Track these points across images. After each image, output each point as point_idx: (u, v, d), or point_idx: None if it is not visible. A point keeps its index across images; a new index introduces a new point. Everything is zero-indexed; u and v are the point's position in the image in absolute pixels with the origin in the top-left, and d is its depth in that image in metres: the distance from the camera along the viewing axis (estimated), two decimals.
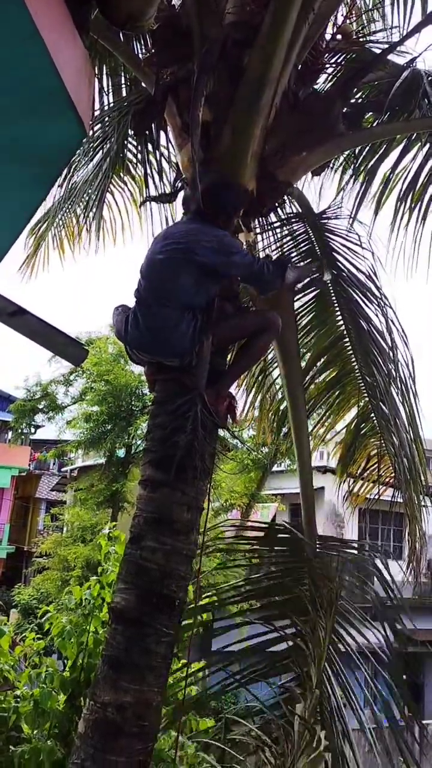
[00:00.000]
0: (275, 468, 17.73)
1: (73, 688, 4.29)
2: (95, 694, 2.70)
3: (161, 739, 4.00)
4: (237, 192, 3.15)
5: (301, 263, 4.65)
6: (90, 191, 5.02)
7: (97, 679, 2.77)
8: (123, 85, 4.91)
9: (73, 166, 5.01)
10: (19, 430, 22.03)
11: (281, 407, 5.19)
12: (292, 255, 4.74)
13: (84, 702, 4.10)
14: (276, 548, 4.84)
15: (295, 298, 4.79)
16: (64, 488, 26.75)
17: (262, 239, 4.80)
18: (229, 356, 3.31)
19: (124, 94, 4.95)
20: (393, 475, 4.75)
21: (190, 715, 4.56)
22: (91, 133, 4.72)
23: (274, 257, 4.16)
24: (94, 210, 5.07)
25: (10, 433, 23.90)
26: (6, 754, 4.11)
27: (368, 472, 5.14)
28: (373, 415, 4.82)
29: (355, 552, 4.88)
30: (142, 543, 2.81)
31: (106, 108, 4.97)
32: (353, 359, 4.80)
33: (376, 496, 5.12)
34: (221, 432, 3.26)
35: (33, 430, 24.12)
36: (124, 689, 2.64)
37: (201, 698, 4.61)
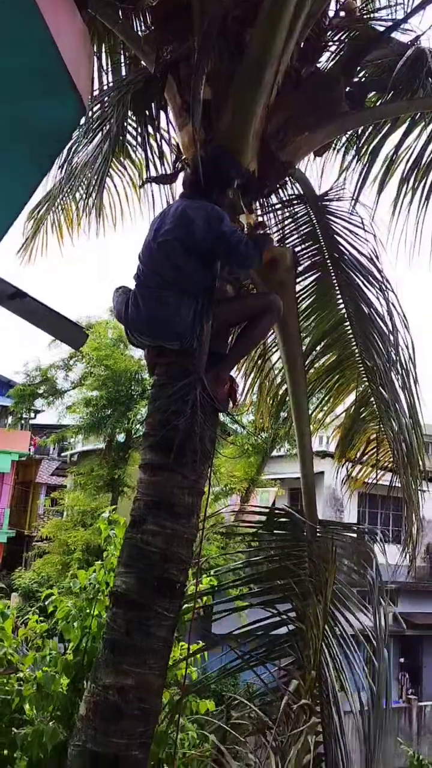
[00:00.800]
0: (274, 453, 17.79)
1: (76, 672, 4.32)
2: (96, 676, 2.71)
3: (163, 722, 4.02)
4: (232, 163, 3.09)
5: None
6: (89, 174, 4.96)
7: (98, 662, 2.78)
8: (122, 64, 4.83)
9: (73, 149, 4.95)
10: (19, 415, 22.05)
11: (281, 392, 5.17)
12: (293, 237, 4.70)
13: (86, 685, 4.13)
14: (276, 532, 4.85)
15: (296, 281, 4.76)
16: (64, 473, 26.83)
17: (264, 221, 4.76)
18: (229, 339, 3.29)
19: (123, 73, 4.87)
20: (392, 459, 4.75)
21: (191, 698, 4.59)
22: (90, 113, 4.65)
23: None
24: (93, 194, 5.02)
25: (10, 418, 23.92)
26: (9, 736, 4.15)
27: (367, 456, 5.14)
28: (372, 399, 4.81)
29: (355, 536, 4.88)
30: (142, 527, 2.80)
31: (105, 88, 4.90)
32: (354, 343, 4.77)
33: (375, 481, 5.12)
34: (221, 416, 3.24)
35: (33, 415, 24.15)
36: (125, 672, 2.64)
37: (201, 681, 4.63)
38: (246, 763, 3.23)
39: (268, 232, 3.56)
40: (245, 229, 3.30)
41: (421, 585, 19.67)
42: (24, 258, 5.65)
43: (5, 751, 4.17)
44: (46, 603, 4.77)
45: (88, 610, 4.48)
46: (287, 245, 4.72)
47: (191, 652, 4.39)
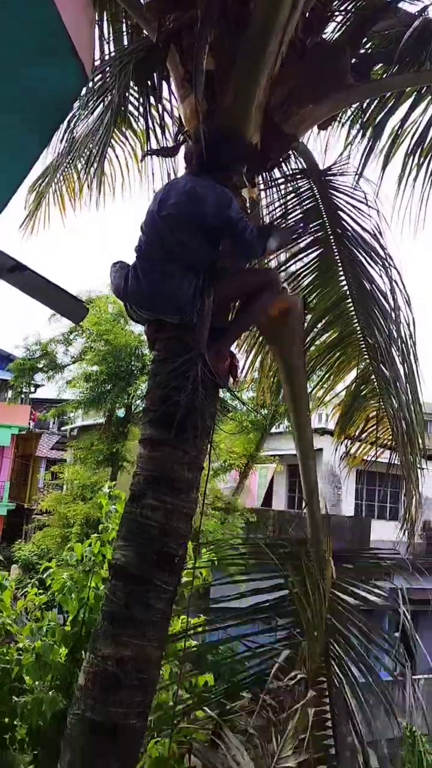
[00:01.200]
0: (274, 429, 17.83)
1: (75, 642, 4.37)
2: (95, 647, 2.74)
3: (161, 693, 4.09)
4: (239, 144, 3.06)
5: (284, 227, 4.53)
6: (91, 146, 4.89)
7: (97, 633, 2.81)
8: (124, 33, 4.73)
9: (74, 121, 4.87)
10: (19, 389, 22.05)
11: None
12: (296, 212, 4.65)
13: (85, 655, 4.19)
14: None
15: (298, 258, 4.72)
16: (64, 447, 26.93)
17: (266, 195, 4.70)
18: (230, 315, 3.27)
19: (125, 43, 4.78)
20: (391, 437, 4.75)
21: (189, 672, 4.66)
22: (91, 84, 4.57)
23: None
24: (95, 165, 4.95)
25: (9, 392, 23.93)
26: (9, 705, 4.22)
27: (366, 433, 5.14)
28: (373, 377, 4.80)
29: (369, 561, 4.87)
30: (142, 501, 2.82)
31: (107, 57, 4.81)
32: (355, 320, 4.74)
33: (374, 458, 5.13)
34: (221, 392, 3.24)
35: (33, 389, 24.16)
36: (124, 643, 2.68)
37: (199, 653, 4.69)
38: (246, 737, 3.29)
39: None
40: (247, 203, 3.26)
41: (417, 561, 19.87)
42: (26, 231, 5.59)
43: (5, 719, 4.25)
44: (45, 576, 4.82)
45: (85, 583, 4.52)
46: (290, 221, 4.68)
47: (192, 626, 4.44)
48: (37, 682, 4.32)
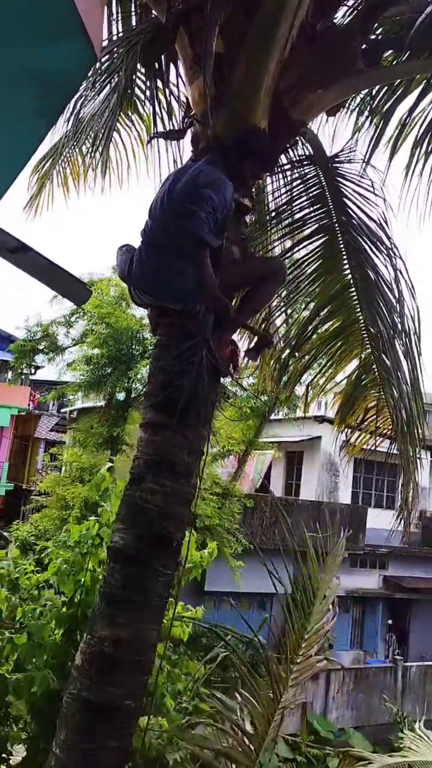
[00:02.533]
0: (273, 416, 17.85)
1: (70, 624, 4.41)
2: (93, 628, 2.77)
3: (156, 674, 4.13)
4: (264, 141, 3.07)
5: None
6: (97, 128, 4.85)
7: (94, 615, 2.84)
8: (133, 13, 4.67)
9: (80, 102, 4.83)
10: (20, 371, 22.02)
11: (283, 356, 5.16)
12: (302, 198, 4.62)
13: (81, 636, 4.24)
14: None
15: (303, 245, 4.70)
16: (63, 429, 26.98)
17: (272, 181, 4.68)
18: (233, 302, 3.26)
19: (133, 23, 4.72)
20: (390, 426, 4.76)
21: (182, 655, 4.71)
22: (98, 64, 4.52)
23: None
24: (100, 148, 4.91)
25: (10, 373, 23.91)
26: (2, 682, 4.26)
27: (366, 423, 5.15)
28: (374, 366, 4.80)
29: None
30: (141, 485, 2.83)
31: (114, 38, 4.75)
32: (358, 309, 4.73)
33: (373, 447, 5.15)
34: (221, 379, 3.24)
35: (33, 370, 24.13)
36: (121, 625, 2.71)
37: (193, 635, 4.74)
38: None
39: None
40: (252, 189, 3.24)
41: (412, 550, 20.00)
42: (30, 213, 5.56)
43: None
44: (42, 555, 4.84)
45: (82, 565, 4.55)
46: (294, 207, 4.65)
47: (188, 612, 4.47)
48: (30, 661, 4.37)
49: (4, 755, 4.28)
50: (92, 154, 4.90)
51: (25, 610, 4.55)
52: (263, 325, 5.05)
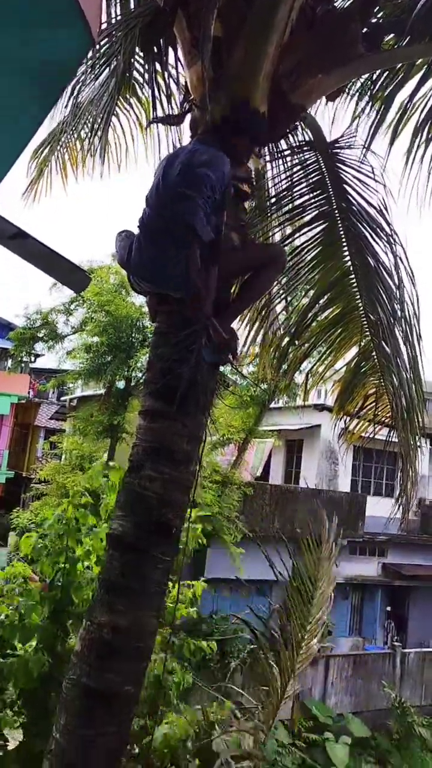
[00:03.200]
0: (273, 404, 17.86)
1: (55, 605, 4.45)
2: (92, 615, 2.78)
3: (156, 661, 4.17)
4: (257, 117, 3.01)
5: None
6: (95, 113, 4.80)
7: (94, 601, 2.85)
8: None
9: (78, 87, 4.78)
10: (19, 358, 22.00)
11: (283, 343, 5.14)
12: (302, 184, 4.59)
13: (67, 618, 4.28)
14: None
15: (303, 231, 4.67)
16: (63, 417, 27.00)
17: (272, 167, 4.64)
18: (232, 289, 3.25)
19: (132, 6, 4.67)
20: (390, 414, 4.76)
21: (188, 639, 4.75)
22: (98, 46, 4.47)
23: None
24: (99, 133, 4.87)
25: (9, 361, 23.89)
26: None
27: (365, 411, 5.14)
28: (374, 353, 4.78)
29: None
30: (140, 472, 2.83)
31: (113, 21, 4.70)
32: (357, 296, 4.71)
33: (372, 435, 5.14)
34: (222, 367, 3.22)
35: (33, 358, 24.11)
36: (120, 612, 2.72)
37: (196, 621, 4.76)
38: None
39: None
40: (252, 173, 3.22)
41: (411, 537, 20.07)
42: (28, 199, 5.52)
43: None
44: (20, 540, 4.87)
45: (58, 547, 4.57)
46: (295, 193, 4.62)
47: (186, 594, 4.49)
48: (24, 645, 4.40)
49: (0, 741, 4.32)
50: (91, 139, 4.86)
51: (5, 589, 4.58)
52: (263, 312, 5.04)
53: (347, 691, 15.07)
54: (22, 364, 24.13)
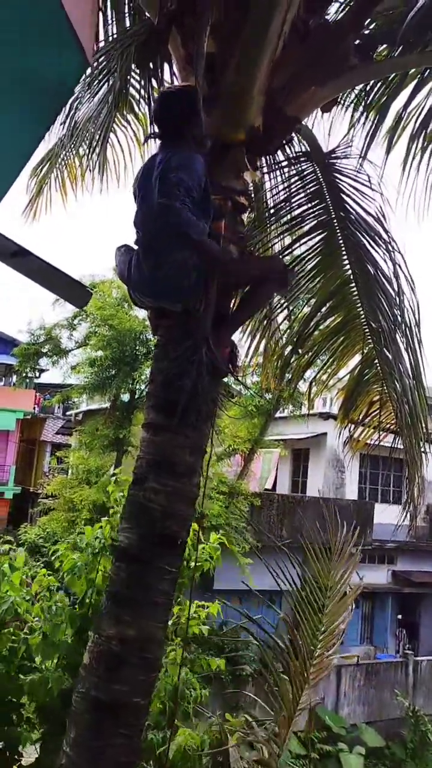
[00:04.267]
0: (278, 414, 17.86)
1: (82, 623, 4.44)
2: (100, 627, 2.79)
3: (164, 672, 4.16)
4: (188, 98, 2.87)
5: None
6: (93, 130, 4.87)
7: (101, 614, 2.86)
8: (126, 14, 4.69)
9: (76, 104, 4.85)
10: (24, 374, 22.08)
11: (285, 353, 5.16)
12: (300, 195, 4.63)
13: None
14: None
15: (302, 241, 4.71)
16: (69, 432, 27.04)
17: (269, 178, 4.68)
18: (232, 301, 3.27)
19: (127, 24, 4.74)
20: (394, 421, 4.76)
21: (201, 655, 4.73)
22: (95, 65, 4.54)
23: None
24: (97, 150, 4.93)
25: (14, 377, 23.98)
26: (16, 683, 4.30)
27: (370, 418, 5.15)
28: (376, 361, 4.80)
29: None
30: (144, 484, 2.85)
31: (109, 39, 4.77)
32: (359, 305, 4.74)
33: (377, 442, 5.14)
34: (224, 378, 3.24)
35: (37, 374, 24.19)
36: (127, 623, 2.72)
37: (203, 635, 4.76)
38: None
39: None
40: (250, 186, 3.25)
41: (420, 544, 19.98)
42: (28, 217, 5.58)
43: (12, 698, 4.32)
44: (53, 558, 4.87)
45: (93, 565, 4.58)
46: (293, 204, 4.66)
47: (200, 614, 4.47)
48: (44, 662, 4.40)
49: (16, 756, 4.32)
50: (89, 156, 4.92)
51: (41, 606, 4.57)
52: (265, 322, 5.06)
53: (360, 701, 14.96)
54: (27, 380, 24.22)
